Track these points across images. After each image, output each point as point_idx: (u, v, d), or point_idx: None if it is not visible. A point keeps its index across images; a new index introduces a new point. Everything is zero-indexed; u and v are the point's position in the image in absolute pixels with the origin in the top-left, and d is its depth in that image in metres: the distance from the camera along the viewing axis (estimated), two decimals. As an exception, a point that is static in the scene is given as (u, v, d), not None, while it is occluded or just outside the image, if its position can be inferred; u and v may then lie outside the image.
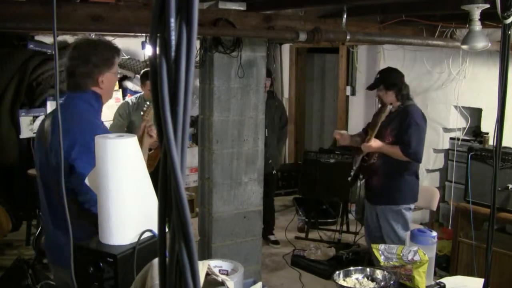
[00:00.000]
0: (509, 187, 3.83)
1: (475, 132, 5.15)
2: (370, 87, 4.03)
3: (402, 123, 3.78)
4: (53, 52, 5.53)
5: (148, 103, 4.38)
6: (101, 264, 1.63)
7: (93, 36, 5.34)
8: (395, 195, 3.84)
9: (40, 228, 4.42)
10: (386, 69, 4.15)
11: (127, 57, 6.29)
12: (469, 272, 3.72)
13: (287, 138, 6.31)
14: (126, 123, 4.67)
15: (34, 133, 5.63)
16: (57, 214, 2.26)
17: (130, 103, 4.71)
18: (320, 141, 8.05)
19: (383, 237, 3.86)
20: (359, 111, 6.64)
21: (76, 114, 2.24)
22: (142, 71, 5.11)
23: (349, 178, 4.20)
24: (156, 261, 1.46)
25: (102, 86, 2.30)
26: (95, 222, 2.13)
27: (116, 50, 2.36)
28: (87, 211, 2.13)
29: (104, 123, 2.43)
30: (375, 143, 3.82)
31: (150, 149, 4.32)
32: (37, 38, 5.60)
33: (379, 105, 4.03)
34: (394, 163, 3.81)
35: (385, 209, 3.87)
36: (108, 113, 4.98)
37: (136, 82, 6.16)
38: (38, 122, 5.64)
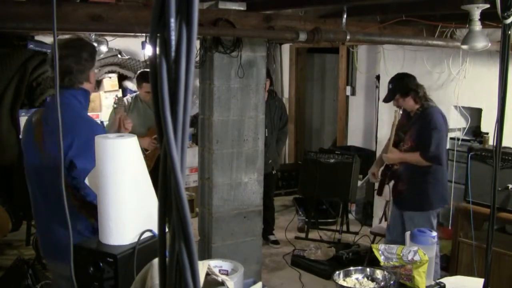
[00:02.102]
0: (509, 187, 3.83)
1: (475, 132, 5.14)
2: (387, 100, 3.96)
3: (421, 126, 3.74)
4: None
5: (117, 96, 4.36)
6: (101, 264, 1.63)
7: (93, 36, 5.36)
8: (422, 202, 3.78)
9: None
10: (396, 76, 4.05)
11: (127, 57, 6.29)
12: (469, 272, 3.72)
13: (287, 138, 6.30)
14: None
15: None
16: (55, 208, 2.29)
17: (126, 103, 4.66)
18: (320, 141, 8.05)
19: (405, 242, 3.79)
20: (359, 111, 6.64)
21: (72, 111, 2.29)
22: (138, 72, 5.08)
23: (375, 189, 4.14)
24: (156, 261, 1.46)
25: (91, 81, 2.42)
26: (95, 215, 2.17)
27: (94, 46, 2.53)
28: (89, 204, 2.16)
29: (104, 122, 2.49)
30: (392, 154, 3.80)
31: (146, 150, 4.32)
32: (37, 38, 5.60)
33: (400, 112, 3.95)
34: (416, 168, 3.76)
35: (413, 215, 3.81)
36: (108, 112, 4.98)
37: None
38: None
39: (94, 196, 2.12)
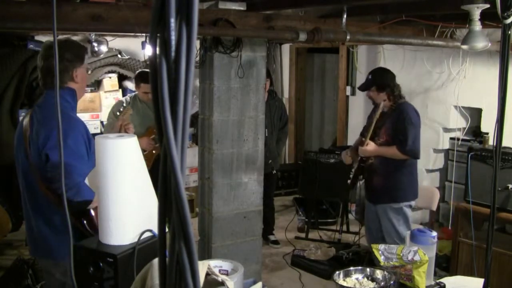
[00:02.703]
0: (509, 187, 3.83)
1: (475, 132, 5.15)
2: (362, 88, 4.05)
3: (396, 121, 3.80)
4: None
5: (124, 104, 4.38)
6: (101, 264, 1.63)
7: (93, 36, 5.37)
8: (396, 193, 3.85)
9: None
10: (378, 69, 4.16)
11: (127, 57, 6.29)
12: (469, 272, 3.72)
13: (287, 138, 6.30)
14: None
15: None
16: (39, 203, 2.38)
17: (125, 103, 4.64)
18: (320, 141, 8.05)
19: (384, 237, 3.86)
20: (359, 111, 6.63)
21: (54, 109, 2.33)
22: (136, 72, 5.07)
23: (348, 181, 4.20)
24: (156, 261, 1.46)
25: (77, 80, 2.46)
26: (72, 210, 2.22)
27: (84, 47, 2.57)
28: (62, 196, 2.19)
29: (104, 122, 2.53)
30: (370, 147, 3.84)
31: (144, 150, 4.32)
32: (37, 38, 5.60)
33: (374, 106, 4.05)
34: (391, 161, 3.83)
35: (386, 207, 3.88)
36: (108, 112, 4.98)
37: (136, 82, 6.14)
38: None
39: (67, 188, 2.16)
